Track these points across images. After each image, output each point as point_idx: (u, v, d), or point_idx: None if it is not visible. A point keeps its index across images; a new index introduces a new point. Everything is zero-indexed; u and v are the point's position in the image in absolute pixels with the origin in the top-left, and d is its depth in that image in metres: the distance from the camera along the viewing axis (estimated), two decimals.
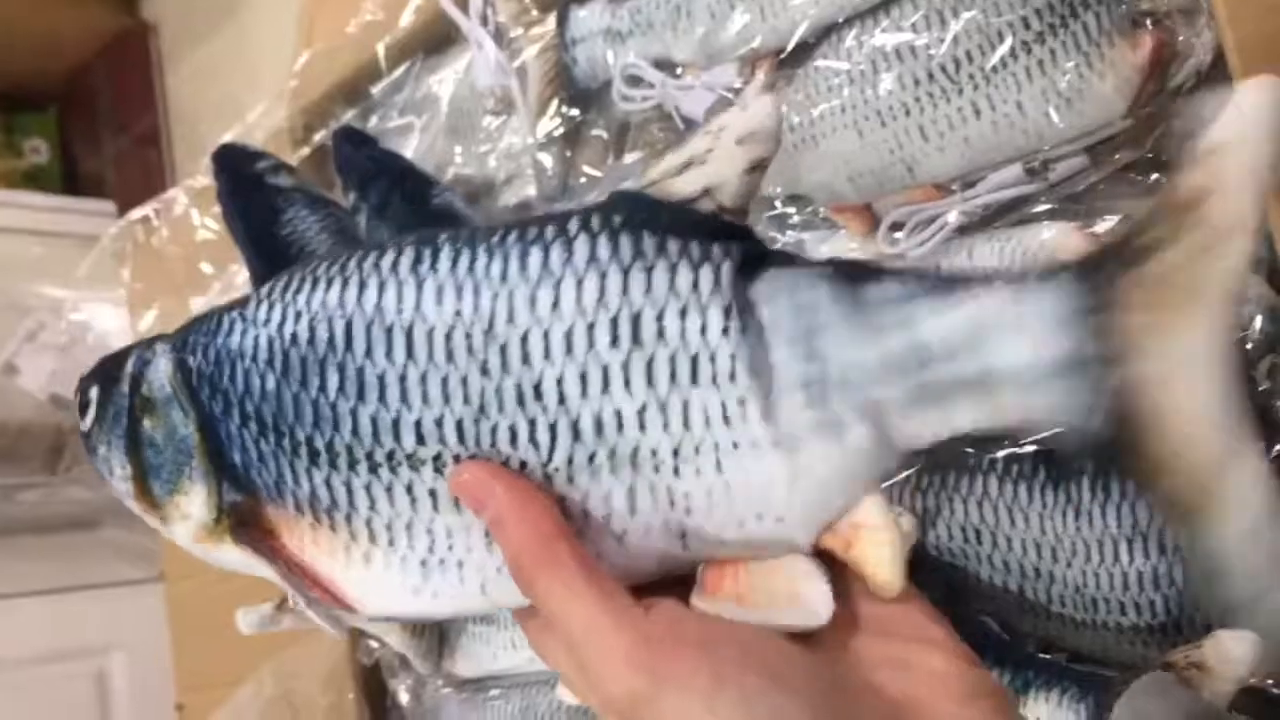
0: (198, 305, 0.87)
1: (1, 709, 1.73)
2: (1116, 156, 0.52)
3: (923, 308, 0.32)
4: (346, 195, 0.71)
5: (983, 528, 0.50)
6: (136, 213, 0.91)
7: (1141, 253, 0.30)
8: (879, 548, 0.33)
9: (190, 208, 0.88)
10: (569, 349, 0.33)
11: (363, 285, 0.35)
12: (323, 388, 0.35)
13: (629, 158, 0.67)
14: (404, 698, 0.78)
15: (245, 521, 0.36)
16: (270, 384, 0.36)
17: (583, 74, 0.68)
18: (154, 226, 0.91)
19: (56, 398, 1.62)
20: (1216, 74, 0.48)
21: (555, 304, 0.33)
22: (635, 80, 0.65)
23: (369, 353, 0.34)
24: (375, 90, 0.81)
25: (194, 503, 0.37)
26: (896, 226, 0.56)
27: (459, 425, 0.33)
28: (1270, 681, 0.44)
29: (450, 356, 0.34)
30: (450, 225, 0.66)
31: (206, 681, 0.97)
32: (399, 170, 0.69)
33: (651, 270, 0.33)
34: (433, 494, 0.34)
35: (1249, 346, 0.46)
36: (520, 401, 0.33)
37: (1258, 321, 0.46)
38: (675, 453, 0.33)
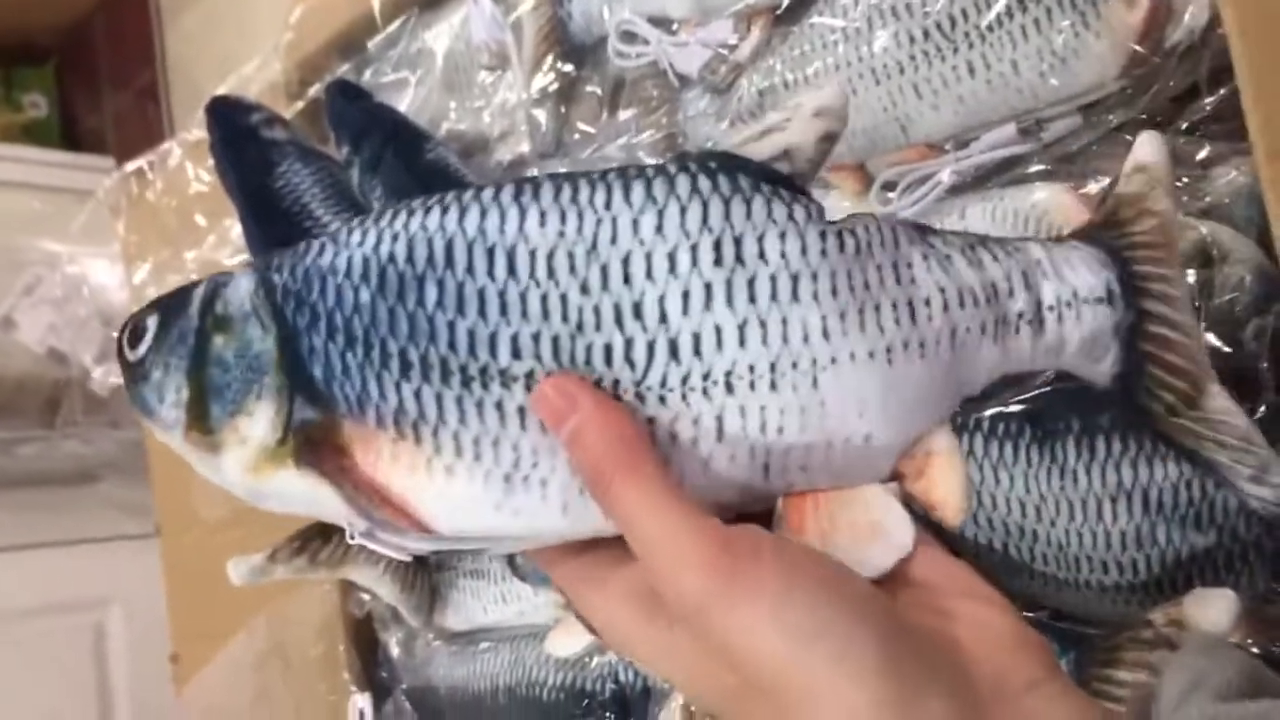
0: (192, 258, 0.87)
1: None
2: (1110, 117, 0.52)
3: (985, 254, 0.37)
4: (340, 149, 0.70)
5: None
6: (131, 166, 0.91)
7: (1125, 225, 0.39)
8: (950, 473, 0.35)
9: (185, 160, 0.87)
10: (672, 268, 0.34)
11: (464, 211, 0.36)
12: (421, 301, 0.35)
13: (623, 114, 0.67)
14: (395, 650, 0.79)
15: (314, 440, 0.36)
16: (365, 298, 0.35)
17: (578, 29, 0.68)
18: (148, 179, 0.91)
19: (54, 351, 1.63)
20: (1211, 35, 0.48)
21: (659, 228, 0.34)
22: (630, 36, 0.64)
23: (470, 269, 0.35)
24: (370, 44, 0.81)
25: (258, 423, 0.36)
26: (889, 186, 0.56)
27: (555, 341, 0.34)
28: (1249, 641, 0.45)
29: (551, 274, 0.34)
30: (443, 181, 0.66)
31: (201, 632, 0.97)
32: (392, 125, 0.69)
33: (750, 201, 0.35)
34: (521, 411, 0.34)
35: (1237, 309, 0.47)
36: (619, 320, 0.34)
37: (1246, 282, 0.46)
38: (772, 367, 0.34)
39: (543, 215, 0.35)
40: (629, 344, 0.34)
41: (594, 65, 0.69)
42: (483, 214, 0.35)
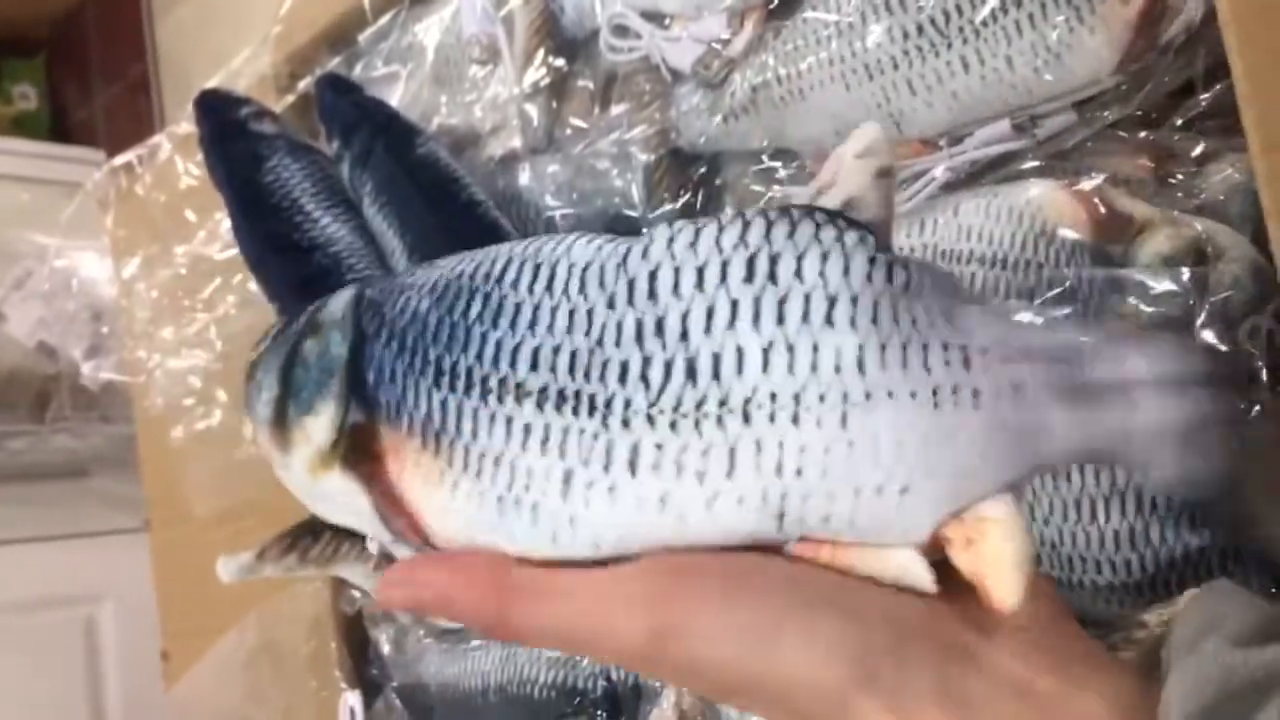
0: (181, 252, 0.87)
1: None
2: (1105, 113, 0.51)
3: (1064, 324, 0.33)
4: (330, 143, 0.70)
5: None
6: (119, 159, 0.90)
7: None
8: (1005, 547, 0.29)
9: (174, 154, 0.87)
10: (699, 284, 0.32)
11: (536, 239, 0.36)
12: (465, 312, 0.35)
13: (615, 109, 0.66)
14: (386, 647, 0.79)
15: (358, 445, 0.36)
16: (423, 307, 0.36)
17: (570, 23, 0.67)
18: (137, 173, 0.90)
19: (44, 345, 1.62)
20: (1207, 30, 0.48)
21: (693, 244, 0.32)
22: (622, 30, 0.64)
23: (515, 284, 0.35)
24: (361, 38, 0.80)
25: (320, 424, 0.36)
26: None
27: (573, 356, 0.33)
28: None
29: (582, 289, 0.33)
30: (434, 175, 0.66)
31: (191, 629, 0.97)
32: (382, 118, 0.68)
33: (797, 223, 0.32)
34: (526, 429, 0.33)
35: (1232, 307, 0.46)
36: (639, 336, 0.32)
37: (1241, 280, 0.46)
38: (796, 398, 0.30)
39: (591, 238, 0.35)
40: (646, 362, 0.32)
41: (586, 59, 0.68)
42: (547, 240, 0.36)
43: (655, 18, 0.63)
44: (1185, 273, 0.47)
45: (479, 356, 0.34)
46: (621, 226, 0.66)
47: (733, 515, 0.31)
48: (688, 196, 0.63)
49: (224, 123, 0.72)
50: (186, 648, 0.96)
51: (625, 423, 0.32)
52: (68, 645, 1.88)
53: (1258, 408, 0.45)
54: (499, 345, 0.34)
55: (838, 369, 0.30)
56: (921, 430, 0.30)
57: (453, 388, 0.34)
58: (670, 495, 0.31)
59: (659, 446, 0.31)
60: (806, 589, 0.29)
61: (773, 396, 0.30)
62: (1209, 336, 0.47)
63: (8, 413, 1.77)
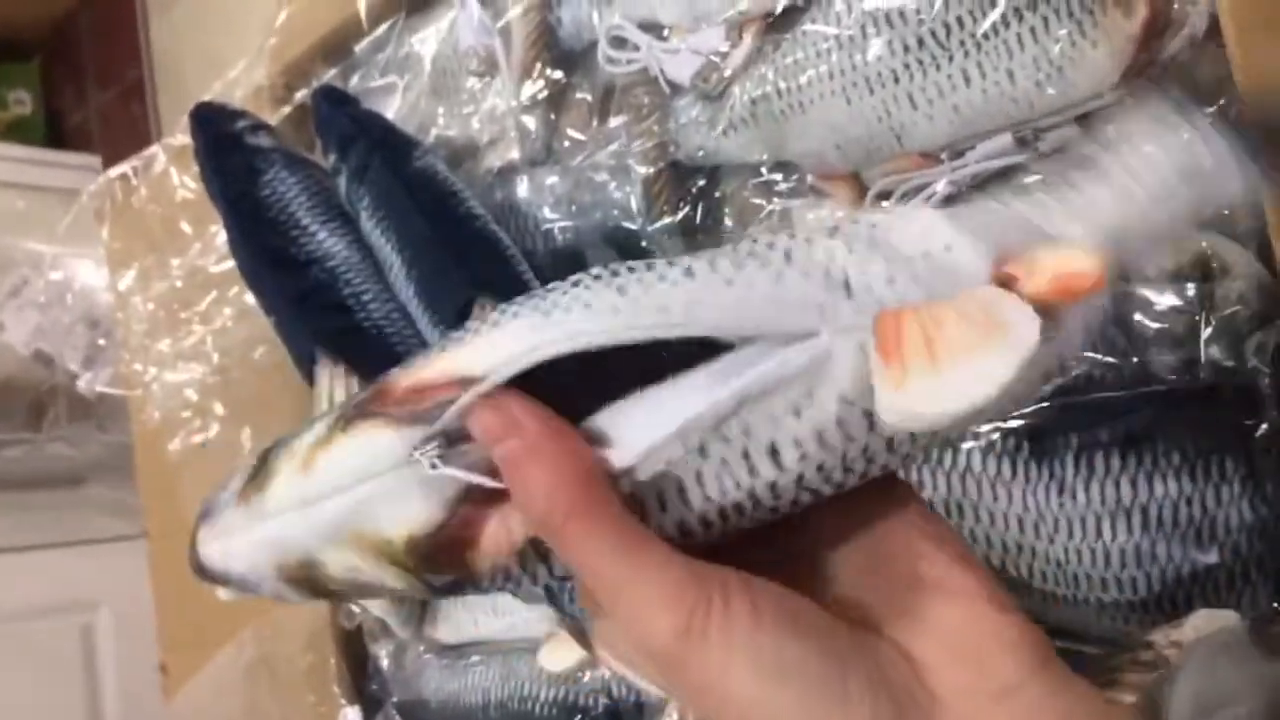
0: (177, 265, 0.86)
1: None
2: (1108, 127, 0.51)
3: None
4: (326, 156, 0.69)
5: (965, 502, 0.50)
6: (114, 171, 0.90)
7: None
8: (1069, 249, 0.29)
9: (170, 166, 0.86)
10: None
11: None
12: None
13: (614, 121, 0.66)
14: (385, 662, 0.78)
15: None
16: None
17: (567, 35, 0.67)
18: (133, 185, 0.89)
19: (40, 354, 1.61)
20: (1210, 43, 0.47)
21: None
22: (620, 42, 0.64)
23: None
24: (357, 49, 0.79)
25: (310, 432, 0.34)
26: (884, 195, 0.55)
27: None
28: None
29: None
30: (431, 189, 0.65)
31: (189, 642, 0.97)
32: (379, 131, 0.68)
33: None
34: None
35: (1238, 323, 0.46)
36: None
37: (1247, 296, 0.46)
38: None
39: None
40: None
41: (584, 71, 0.68)
42: None
43: (653, 29, 0.63)
44: (1190, 288, 0.47)
45: None
46: (620, 239, 0.66)
47: (799, 287, 0.30)
48: (687, 209, 0.63)
49: (219, 136, 0.71)
50: (185, 661, 0.95)
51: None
52: (66, 653, 1.87)
53: (1265, 425, 0.45)
54: None
55: None
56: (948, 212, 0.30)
57: None
58: (739, 273, 0.30)
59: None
60: (818, 636, 0.29)
61: None
62: (1215, 352, 0.46)
63: (3, 421, 1.76)
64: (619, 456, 0.30)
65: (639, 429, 0.29)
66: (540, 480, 0.28)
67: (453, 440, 0.30)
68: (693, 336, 0.29)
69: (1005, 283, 0.29)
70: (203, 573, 0.33)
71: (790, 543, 0.33)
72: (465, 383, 0.30)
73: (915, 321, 0.28)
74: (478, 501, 0.30)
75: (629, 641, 0.30)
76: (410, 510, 0.30)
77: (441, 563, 0.31)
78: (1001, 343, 0.27)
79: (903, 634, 0.30)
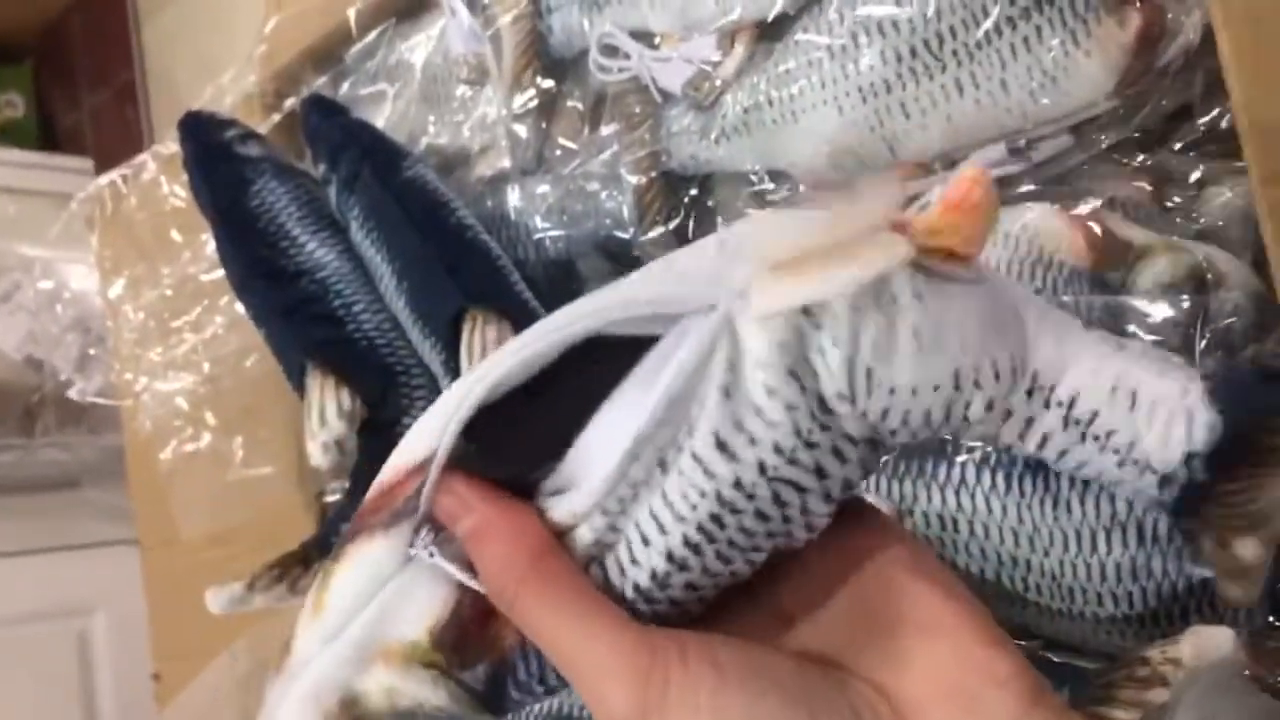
0: (168, 273, 0.86)
1: None
2: (1102, 137, 0.51)
3: None
4: (316, 166, 0.69)
5: (959, 515, 0.49)
6: (104, 179, 0.89)
7: None
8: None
9: (159, 174, 0.86)
10: None
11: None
12: None
13: (605, 129, 0.65)
14: None
15: None
16: None
17: (558, 43, 0.67)
18: (122, 193, 0.89)
19: (31, 359, 1.61)
20: (1205, 53, 0.47)
21: None
22: (612, 50, 0.63)
23: None
24: (347, 56, 0.79)
25: None
26: None
27: None
28: (1247, 674, 0.44)
29: None
30: (421, 198, 0.65)
31: (183, 651, 0.96)
32: (369, 141, 0.67)
33: None
34: None
35: (1232, 335, 0.46)
36: None
37: (1241, 308, 0.46)
38: None
39: None
40: None
41: (575, 79, 0.67)
42: None
43: (644, 37, 0.62)
44: (1185, 300, 0.46)
45: None
46: (613, 248, 0.65)
47: (689, 261, 0.30)
48: (679, 218, 0.63)
49: (209, 145, 0.71)
50: (178, 670, 0.95)
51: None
52: (61, 658, 1.87)
53: None
54: None
55: None
56: None
57: None
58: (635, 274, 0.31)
59: None
60: (784, 689, 0.28)
61: None
62: (1210, 365, 0.46)
63: None
64: (586, 492, 0.29)
65: (597, 463, 0.29)
66: (494, 554, 0.29)
67: (438, 527, 0.31)
68: (586, 334, 0.29)
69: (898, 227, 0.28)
70: None
71: (771, 588, 0.32)
72: (421, 467, 0.30)
73: (793, 235, 0.28)
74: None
75: (596, 710, 0.29)
76: (423, 603, 0.31)
77: (470, 648, 0.31)
78: (869, 254, 0.27)
79: (889, 674, 0.30)
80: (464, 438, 0.30)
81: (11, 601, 1.81)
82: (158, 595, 1.01)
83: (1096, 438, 0.31)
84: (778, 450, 0.28)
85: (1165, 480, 0.31)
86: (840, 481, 0.29)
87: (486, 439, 0.30)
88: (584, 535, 0.30)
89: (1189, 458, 0.31)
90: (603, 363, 0.29)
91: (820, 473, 0.29)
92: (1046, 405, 0.31)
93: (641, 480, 0.29)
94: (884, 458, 0.51)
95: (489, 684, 0.31)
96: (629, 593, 0.30)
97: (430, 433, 0.31)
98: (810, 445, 0.28)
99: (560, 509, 0.30)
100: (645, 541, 0.29)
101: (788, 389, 0.28)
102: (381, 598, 0.31)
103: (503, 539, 0.29)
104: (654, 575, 0.29)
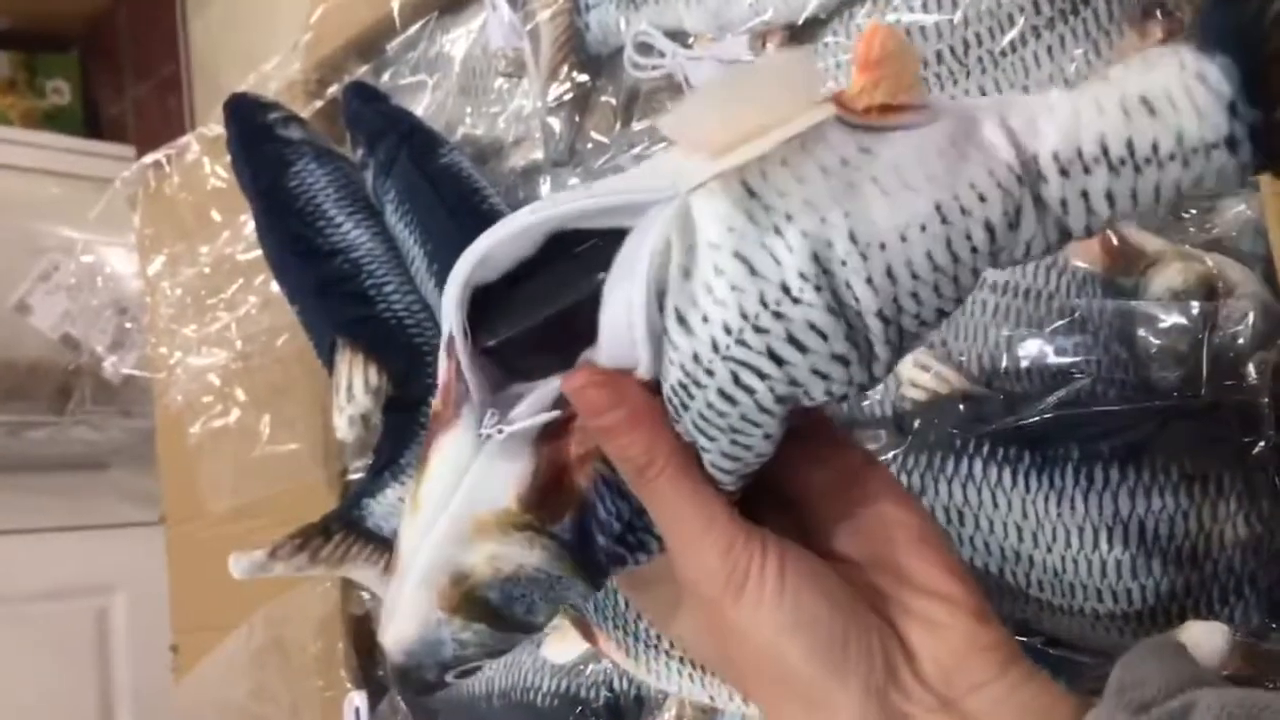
0: (206, 252, 0.88)
1: (3, 643, 1.75)
2: None
3: None
4: (355, 150, 0.71)
5: (965, 509, 0.50)
6: (149, 158, 0.91)
7: None
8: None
9: (202, 156, 0.88)
10: None
11: None
12: None
13: (637, 125, 0.67)
14: None
15: None
16: None
17: (594, 39, 0.68)
18: (166, 173, 0.91)
19: (68, 338, 1.63)
20: None
21: None
22: (646, 48, 0.65)
23: None
24: (389, 47, 0.81)
25: None
26: None
27: None
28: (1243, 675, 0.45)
29: None
30: (455, 185, 0.67)
31: (201, 624, 0.98)
32: (407, 127, 0.69)
33: None
34: None
35: (1240, 343, 0.47)
36: None
37: (1250, 317, 0.47)
38: None
39: None
40: None
41: (609, 75, 0.69)
42: None
43: (679, 36, 0.64)
44: (1195, 307, 0.47)
45: None
46: None
47: (649, 164, 0.32)
48: None
49: (252, 126, 0.73)
50: (196, 642, 0.96)
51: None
52: (79, 635, 1.89)
53: (1262, 444, 0.45)
54: None
55: None
56: None
57: None
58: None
59: None
60: (847, 607, 0.33)
61: None
62: (1217, 371, 0.47)
63: (29, 403, 1.78)
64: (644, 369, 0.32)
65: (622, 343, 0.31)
66: (640, 443, 0.32)
67: (500, 406, 0.33)
68: (564, 221, 0.31)
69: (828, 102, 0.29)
70: (404, 677, 0.36)
71: (804, 538, 0.36)
72: (448, 347, 0.33)
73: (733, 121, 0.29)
74: (549, 438, 0.33)
75: (683, 580, 0.34)
76: (505, 476, 0.33)
77: (555, 502, 0.34)
78: (800, 121, 0.28)
79: (898, 621, 0.34)
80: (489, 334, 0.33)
81: (35, 577, 1.84)
82: (180, 568, 1.03)
83: (1148, 160, 0.30)
84: (726, 329, 0.30)
85: (1230, 142, 0.30)
86: (808, 374, 0.30)
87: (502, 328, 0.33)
88: None
89: (1231, 108, 0.29)
90: (581, 255, 0.32)
91: (777, 360, 0.30)
92: (1078, 172, 0.30)
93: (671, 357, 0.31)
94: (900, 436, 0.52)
95: (575, 531, 0.34)
96: None
97: (445, 318, 0.33)
98: (759, 330, 0.30)
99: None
100: (684, 406, 0.32)
101: (735, 270, 0.29)
102: (467, 482, 0.33)
103: (655, 426, 0.32)
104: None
